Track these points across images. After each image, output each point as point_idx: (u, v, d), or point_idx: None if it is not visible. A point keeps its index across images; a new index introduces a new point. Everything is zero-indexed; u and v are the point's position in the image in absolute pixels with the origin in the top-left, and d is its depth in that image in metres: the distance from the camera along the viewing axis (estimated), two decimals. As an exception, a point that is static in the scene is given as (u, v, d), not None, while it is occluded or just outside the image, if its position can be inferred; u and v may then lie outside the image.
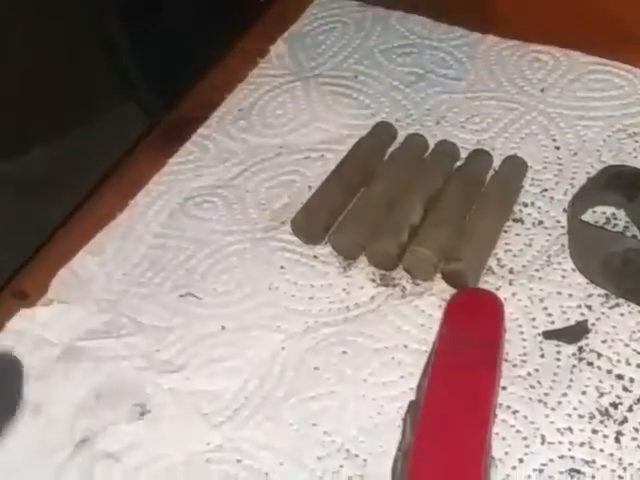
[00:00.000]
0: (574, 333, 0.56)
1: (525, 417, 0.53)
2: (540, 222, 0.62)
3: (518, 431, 0.52)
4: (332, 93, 0.72)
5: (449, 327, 0.54)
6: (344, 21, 0.78)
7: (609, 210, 0.61)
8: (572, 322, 0.56)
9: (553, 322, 0.57)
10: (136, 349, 0.59)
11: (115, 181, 0.69)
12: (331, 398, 0.56)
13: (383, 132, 0.67)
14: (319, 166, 0.67)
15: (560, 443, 0.52)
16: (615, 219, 0.61)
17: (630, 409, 0.52)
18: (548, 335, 0.56)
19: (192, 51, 0.77)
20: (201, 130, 0.71)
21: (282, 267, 0.62)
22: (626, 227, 0.60)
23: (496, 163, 0.65)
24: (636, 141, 0.65)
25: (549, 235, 0.61)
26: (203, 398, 0.56)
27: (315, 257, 0.62)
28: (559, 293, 0.58)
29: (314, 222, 0.63)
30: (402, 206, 0.62)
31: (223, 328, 0.59)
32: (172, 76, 0.77)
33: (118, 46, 0.81)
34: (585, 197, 0.60)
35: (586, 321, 0.56)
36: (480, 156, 0.65)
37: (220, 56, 0.76)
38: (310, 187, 0.66)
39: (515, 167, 0.64)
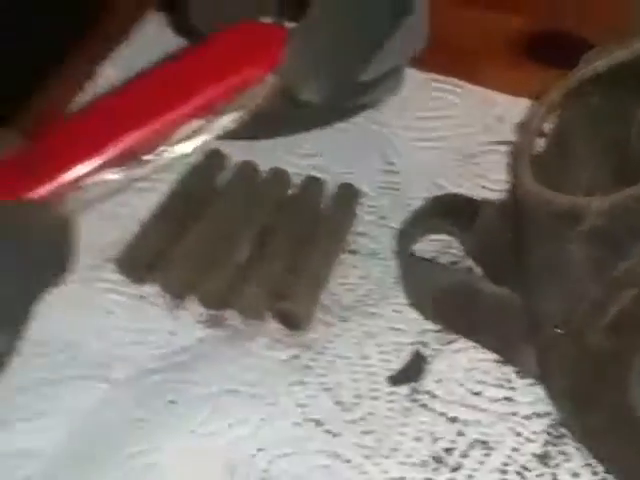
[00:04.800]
0: (415, 369, 0.54)
1: (357, 466, 0.51)
2: (376, 253, 0.60)
3: (349, 480, 0.50)
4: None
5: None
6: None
7: (444, 239, 0.60)
8: (406, 359, 0.55)
9: (387, 360, 0.55)
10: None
11: None
12: (158, 453, 0.53)
13: (213, 160, 0.64)
14: (151, 197, 0.64)
15: (393, 493, 0.50)
16: (450, 248, 0.59)
17: (464, 455, 0.51)
18: (395, 380, 0.54)
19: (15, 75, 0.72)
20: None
21: (108, 311, 0.58)
22: (460, 258, 0.59)
23: (331, 189, 0.63)
24: (473, 163, 0.64)
25: (385, 267, 0.59)
26: (19, 456, 0.53)
27: (142, 297, 0.59)
28: (392, 329, 0.56)
29: (140, 259, 0.60)
30: (232, 241, 0.59)
31: (43, 379, 0.56)
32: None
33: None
34: (415, 226, 0.58)
35: (419, 354, 0.55)
36: (313, 184, 0.62)
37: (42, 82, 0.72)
38: (140, 220, 0.62)
39: (349, 195, 0.62)
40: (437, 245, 0.59)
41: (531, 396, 0.52)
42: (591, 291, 0.48)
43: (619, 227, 0.48)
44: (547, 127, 0.57)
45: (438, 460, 0.51)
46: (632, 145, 0.54)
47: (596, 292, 0.48)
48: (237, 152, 0.65)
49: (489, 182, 0.62)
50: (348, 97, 0.61)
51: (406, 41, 0.59)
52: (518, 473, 0.50)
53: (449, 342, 0.55)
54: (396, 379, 0.54)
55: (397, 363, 0.55)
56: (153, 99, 0.48)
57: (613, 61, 0.56)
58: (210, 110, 0.50)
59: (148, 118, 0.48)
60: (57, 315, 0.57)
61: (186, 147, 0.51)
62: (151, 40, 0.74)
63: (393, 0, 0.58)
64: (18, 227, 0.46)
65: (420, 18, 0.59)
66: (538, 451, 0.50)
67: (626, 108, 0.56)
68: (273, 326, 0.57)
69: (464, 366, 0.54)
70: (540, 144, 0.56)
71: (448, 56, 0.70)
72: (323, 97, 0.54)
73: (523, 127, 0.57)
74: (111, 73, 0.72)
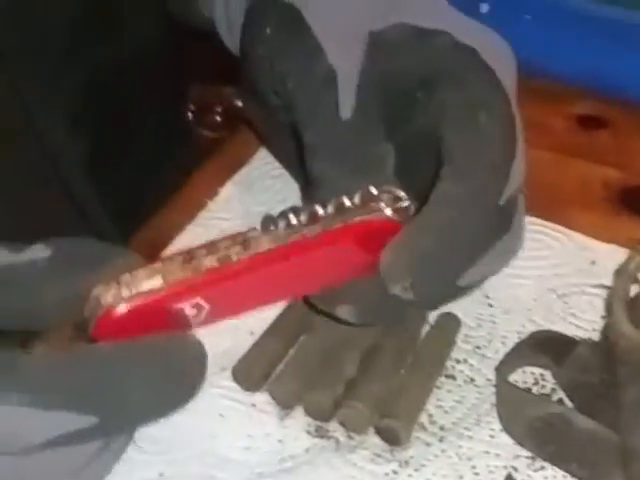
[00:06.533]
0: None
1: None
2: (472, 379, 0.64)
3: None
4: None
5: None
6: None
7: (538, 371, 0.64)
8: (499, 482, 0.59)
9: (481, 482, 0.59)
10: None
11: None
12: None
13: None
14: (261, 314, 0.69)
15: None
16: (543, 380, 0.63)
17: None
18: None
19: (143, 194, 0.79)
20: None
21: (221, 415, 0.63)
22: (553, 389, 0.63)
23: (431, 318, 0.67)
24: (565, 302, 0.68)
25: (480, 393, 0.63)
26: None
27: (253, 405, 0.64)
28: (487, 452, 0.60)
29: (254, 370, 0.65)
30: (339, 358, 0.64)
31: (161, 475, 0.61)
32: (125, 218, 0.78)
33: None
34: (514, 358, 0.62)
35: (511, 477, 0.58)
36: (416, 312, 0.67)
37: (169, 197, 0.78)
38: (252, 333, 0.67)
39: (448, 324, 0.66)
40: (530, 377, 0.64)
41: (616, 526, 0.56)
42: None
43: None
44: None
45: None
46: None
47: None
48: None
49: (579, 320, 0.67)
50: (441, 302, 0.62)
51: (501, 253, 0.59)
52: None
53: (540, 469, 0.59)
54: (488, 499, 0.58)
55: (489, 484, 0.59)
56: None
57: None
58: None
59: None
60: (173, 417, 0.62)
61: None
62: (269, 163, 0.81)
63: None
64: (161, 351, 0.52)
65: (517, 235, 0.60)
66: None
67: None
68: (374, 441, 0.61)
69: (553, 493, 0.58)
70: (635, 289, 0.61)
71: (548, 201, 0.75)
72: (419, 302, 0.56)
73: (619, 273, 0.62)
74: (231, 194, 0.79)
